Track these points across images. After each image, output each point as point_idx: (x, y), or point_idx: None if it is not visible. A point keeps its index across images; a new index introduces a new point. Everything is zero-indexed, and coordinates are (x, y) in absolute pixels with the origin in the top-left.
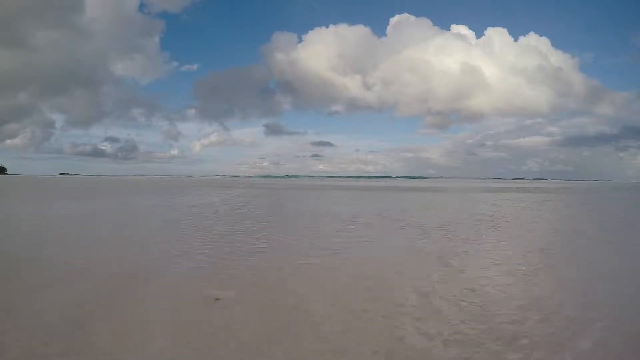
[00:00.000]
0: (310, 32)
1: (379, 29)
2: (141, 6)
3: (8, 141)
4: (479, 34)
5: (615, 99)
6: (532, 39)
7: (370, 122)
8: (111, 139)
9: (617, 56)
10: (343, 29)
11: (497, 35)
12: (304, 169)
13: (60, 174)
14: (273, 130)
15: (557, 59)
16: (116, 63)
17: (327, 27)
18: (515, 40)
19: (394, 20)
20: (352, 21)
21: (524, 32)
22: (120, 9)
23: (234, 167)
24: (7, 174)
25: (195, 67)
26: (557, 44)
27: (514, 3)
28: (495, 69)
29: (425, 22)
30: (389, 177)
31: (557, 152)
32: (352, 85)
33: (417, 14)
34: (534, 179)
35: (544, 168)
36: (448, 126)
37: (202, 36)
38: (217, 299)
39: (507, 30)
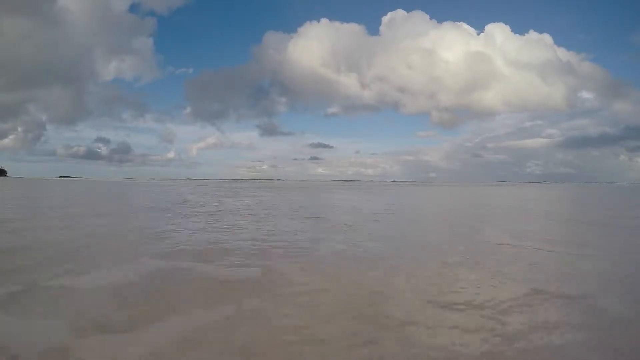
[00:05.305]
0: (301, 27)
1: (373, 28)
2: (132, 6)
3: None
4: (479, 32)
5: (630, 95)
6: (533, 36)
7: (370, 124)
8: (105, 141)
9: (618, 55)
10: (336, 26)
11: (497, 31)
12: (303, 172)
13: (60, 176)
14: (269, 132)
15: (562, 54)
16: (108, 64)
17: (319, 22)
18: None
19: (386, 18)
20: (345, 20)
21: (524, 31)
22: (110, 9)
23: (232, 170)
24: (7, 176)
25: (191, 70)
26: (559, 42)
27: (513, 1)
28: (496, 65)
29: (421, 16)
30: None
31: (561, 154)
32: (348, 83)
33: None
34: (538, 182)
35: (548, 170)
36: (448, 126)
37: (196, 37)
38: None
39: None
